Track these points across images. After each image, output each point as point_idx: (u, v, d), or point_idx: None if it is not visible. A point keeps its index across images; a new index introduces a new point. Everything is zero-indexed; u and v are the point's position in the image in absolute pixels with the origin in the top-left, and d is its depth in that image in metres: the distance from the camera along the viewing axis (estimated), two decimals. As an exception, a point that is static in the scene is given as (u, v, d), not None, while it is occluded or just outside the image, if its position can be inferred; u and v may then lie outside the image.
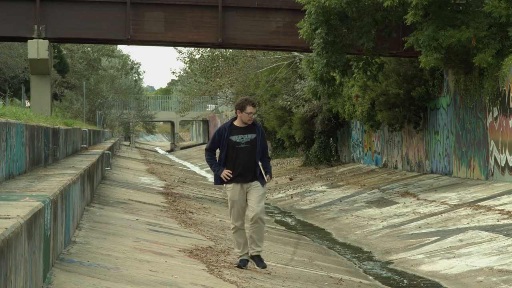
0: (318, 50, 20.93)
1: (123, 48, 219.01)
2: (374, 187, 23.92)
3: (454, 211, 16.70)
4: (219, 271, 9.11)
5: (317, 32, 20.55)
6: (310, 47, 21.36)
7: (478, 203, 16.90)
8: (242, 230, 9.45)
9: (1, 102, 30.25)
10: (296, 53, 32.73)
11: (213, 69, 39.82)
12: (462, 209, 16.72)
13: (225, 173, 9.34)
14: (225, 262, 9.95)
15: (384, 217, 18.11)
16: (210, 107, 76.94)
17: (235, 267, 9.45)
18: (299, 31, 21.23)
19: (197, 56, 43.43)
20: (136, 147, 74.27)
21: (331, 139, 34.60)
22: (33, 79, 23.84)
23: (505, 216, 14.73)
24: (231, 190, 9.40)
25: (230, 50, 38.29)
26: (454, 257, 12.71)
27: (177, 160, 59.57)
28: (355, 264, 13.56)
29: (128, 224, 11.97)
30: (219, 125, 79.46)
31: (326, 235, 17.63)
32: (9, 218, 5.23)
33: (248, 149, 9.37)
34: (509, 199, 16.45)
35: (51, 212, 6.85)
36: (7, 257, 4.68)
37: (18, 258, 5.05)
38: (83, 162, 14.25)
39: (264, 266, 9.44)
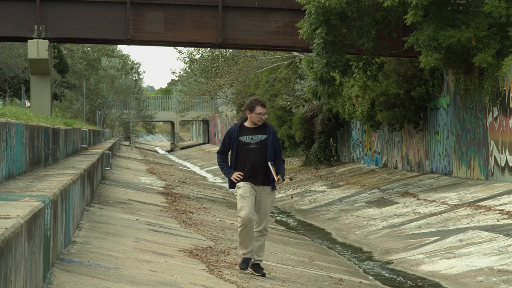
0: (318, 50, 20.93)
1: (123, 48, 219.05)
2: (374, 187, 23.92)
3: (454, 211, 16.71)
4: (219, 271, 9.11)
5: (317, 32, 20.55)
6: (310, 47, 21.36)
7: (478, 203, 16.91)
8: (251, 228, 9.11)
9: (1, 102, 30.23)
10: (296, 53, 32.74)
11: (213, 69, 39.82)
12: (462, 209, 16.72)
13: (236, 175, 9.14)
14: (225, 262, 9.95)
15: (384, 217, 18.11)
16: (214, 106, 76.78)
17: (239, 268, 9.24)
18: (299, 31, 21.24)
19: (197, 56, 43.45)
20: (136, 147, 74.24)
21: (331, 139, 34.60)
22: (33, 79, 23.84)
23: (505, 216, 14.73)
24: (242, 187, 9.11)
25: (230, 50, 38.30)
26: (454, 257, 12.71)
27: (177, 160, 59.58)
28: (355, 264, 13.56)
29: (128, 224, 11.97)
30: (219, 125, 79.39)
31: (326, 235, 17.63)
32: (9, 218, 5.23)
33: (258, 150, 9.16)
34: (509, 199, 16.45)
35: (51, 212, 6.85)
36: (7, 257, 4.68)
37: (18, 258, 5.05)
38: (83, 162, 14.25)
39: (263, 274, 9.22)
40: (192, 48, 42.70)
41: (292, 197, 25.54)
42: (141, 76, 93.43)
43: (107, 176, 22.19)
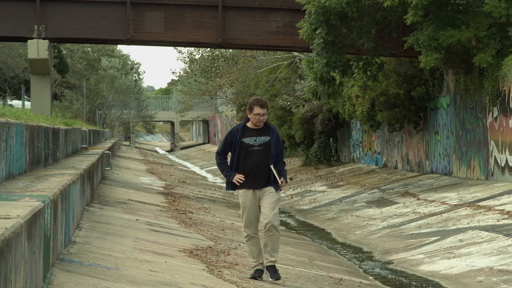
0: (318, 50, 20.93)
1: (123, 48, 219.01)
2: (374, 187, 23.92)
3: (454, 211, 16.71)
4: (219, 271, 9.10)
5: (317, 32, 20.55)
6: (310, 47, 21.36)
7: (478, 203, 16.91)
8: (255, 238, 8.86)
9: (1, 102, 30.25)
10: (296, 53, 32.73)
11: (213, 69, 39.82)
12: (462, 209, 16.72)
13: (237, 177, 8.80)
14: (225, 262, 9.95)
15: (384, 217, 18.11)
16: (214, 106, 76.71)
17: (249, 278, 8.88)
18: (299, 31, 21.24)
19: (197, 56, 43.44)
20: (136, 147, 74.23)
21: (331, 139, 34.60)
22: (33, 79, 23.84)
23: (505, 216, 14.73)
24: (242, 195, 8.85)
25: (230, 50, 38.29)
26: (454, 257, 12.71)
27: (177, 160, 59.57)
28: (355, 264, 13.56)
29: (128, 224, 11.97)
30: (219, 125, 79.34)
31: (326, 235, 17.63)
32: (9, 218, 5.23)
33: (261, 152, 8.82)
34: (509, 199, 16.45)
35: (51, 212, 6.85)
36: (7, 257, 4.68)
37: (18, 258, 5.05)
38: (83, 162, 14.25)
39: (278, 278, 8.88)
40: (192, 48, 42.70)
41: (292, 197, 25.53)
42: (141, 76, 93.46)
43: (107, 176, 22.19)
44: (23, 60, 38.10)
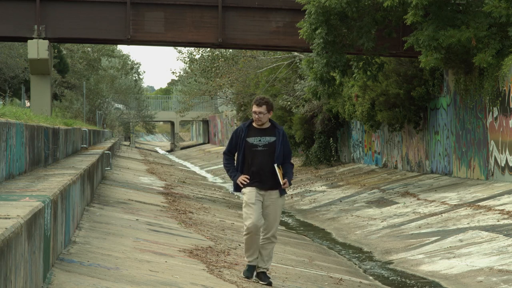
0: (318, 50, 20.93)
1: (123, 48, 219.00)
2: (374, 187, 23.92)
3: (454, 211, 16.71)
4: (219, 271, 9.10)
5: (317, 32, 20.55)
6: (310, 47, 21.36)
7: (478, 203, 16.91)
8: (256, 236, 8.65)
9: (1, 102, 30.24)
10: (296, 53, 32.74)
11: (213, 69, 39.81)
12: (462, 209, 16.72)
13: (242, 178, 8.61)
14: (225, 262, 9.95)
15: (384, 217, 18.11)
16: (214, 106, 76.68)
17: (244, 276, 8.76)
18: (299, 31, 21.24)
19: (197, 56, 43.44)
20: (136, 147, 74.23)
21: (331, 139, 34.60)
22: (33, 79, 23.84)
23: (505, 216, 14.73)
24: (248, 192, 8.61)
25: (230, 50, 38.29)
26: (454, 257, 12.71)
27: (177, 160, 59.57)
28: (355, 264, 13.56)
29: (128, 224, 11.97)
30: (219, 125, 79.28)
31: (326, 235, 17.63)
32: (9, 218, 5.23)
33: (265, 153, 8.60)
34: (509, 199, 16.45)
35: (51, 212, 6.85)
36: (7, 257, 4.68)
37: (18, 258, 5.05)
38: (83, 162, 14.25)
39: (270, 283, 8.73)
40: (192, 48, 42.70)
41: (292, 197, 25.53)
42: (141, 76, 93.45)
43: (107, 176, 22.19)
44: (23, 60, 38.08)
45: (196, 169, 47.15)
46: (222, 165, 9.07)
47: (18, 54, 39.05)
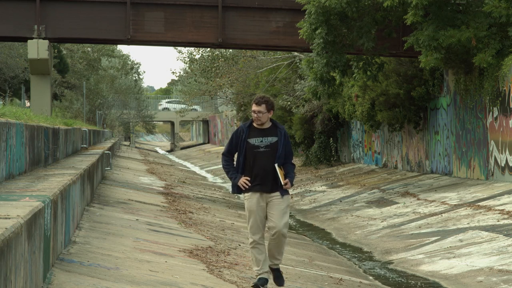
0: (318, 50, 20.93)
1: (123, 48, 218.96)
2: (374, 187, 23.92)
3: (454, 211, 16.71)
4: (219, 271, 9.10)
5: (317, 32, 20.55)
6: (310, 47, 21.36)
7: (478, 203, 16.91)
8: (261, 245, 8.29)
9: (1, 102, 30.23)
10: (296, 53, 32.73)
11: (213, 69, 39.81)
12: (462, 209, 16.72)
13: (243, 180, 8.26)
14: (225, 262, 9.95)
15: (384, 217, 18.11)
16: (214, 106, 76.63)
17: (251, 286, 8.33)
18: (299, 31, 21.24)
19: (197, 56, 43.44)
20: (136, 147, 74.22)
21: (331, 139, 34.61)
22: (33, 79, 23.84)
23: (505, 216, 14.73)
24: (249, 199, 8.29)
25: (230, 50, 38.29)
26: (454, 257, 12.71)
27: (177, 160, 59.57)
28: (355, 264, 13.56)
29: (128, 224, 11.97)
30: (219, 125, 79.22)
31: (326, 235, 17.63)
32: (9, 218, 5.23)
33: (267, 154, 8.26)
34: (509, 199, 16.45)
35: (51, 212, 6.85)
36: (7, 257, 4.68)
37: (18, 258, 5.05)
38: (83, 162, 14.25)
39: (282, 284, 8.40)
40: (192, 48, 42.70)
41: (292, 197, 25.54)
42: (141, 76, 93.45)
43: (107, 176, 22.19)
44: (23, 60, 38.08)
45: (196, 169, 47.15)
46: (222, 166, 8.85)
47: (18, 54, 39.05)
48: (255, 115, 8.30)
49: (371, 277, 12.14)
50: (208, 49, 39.95)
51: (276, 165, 8.26)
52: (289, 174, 8.37)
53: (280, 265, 8.52)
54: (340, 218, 19.57)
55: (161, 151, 77.69)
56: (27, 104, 38.04)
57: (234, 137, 8.39)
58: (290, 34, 23.08)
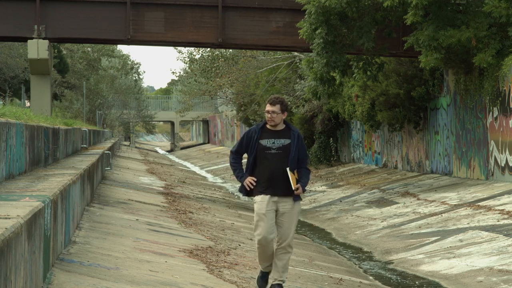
0: (318, 50, 20.93)
1: (123, 48, 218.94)
2: (374, 187, 23.92)
3: (454, 211, 16.71)
4: (219, 271, 9.11)
5: (317, 32, 20.55)
6: (310, 47, 21.36)
7: (478, 203, 16.91)
8: (268, 247, 8.03)
9: (1, 102, 30.23)
10: (296, 53, 32.73)
11: (213, 69, 39.81)
12: (462, 209, 16.72)
13: (249, 180, 8.02)
14: (225, 262, 9.95)
15: (384, 217, 18.11)
16: (214, 106, 76.60)
17: (258, 286, 8.21)
18: (299, 31, 21.24)
19: (197, 56, 43.44)
20: (136, 147, 74.23)
21: (331, 139, 34.61)
22: (33, 79, 23.84)
23: (505, 216, 14.73)
24: (258, 202, 8.00)
25: (230, 50, 38.29)
26: (454, 257, 12.71)
27: (177, 160, 59.56)
28: (355, 264, 13.56)
29: (128, 224, 11.97)
30: (219, 125, 79.23)
31: (326, 235, 17.63)
32: (9, 218, 5.23)
33: (279, 156, 7.99)
34: (509, 199, 16.45)
35: (51, 212, 6.85)
36: (7, 257, 4.68)
37: (18, 258, 5.05)
38: (83, 162, 14.25)
39: None
40: (192, 48, 42.70)
41: (292, 197, 25.51)
42: (141, 76, 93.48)
43: (107, 176, 22.19)
44: (23, 60, 38.08)
45: (196, 169, 47.15)
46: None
47: (18, 54, 39.05)
48: (269, 115, 8.06)
49: (371, 277, 12.14)
50: (208, 49, 39.95)
51: (287, 169, 7.98)
52: (302, 179, 8.07)
53: (283, 283, 8.15)
54: (340, 218, 19.57)
55: (161, 151, 77.70)
56: (27, 104, 38.03)
57: (245, 138, 8.17)
58: (290, 34, 23.08)
